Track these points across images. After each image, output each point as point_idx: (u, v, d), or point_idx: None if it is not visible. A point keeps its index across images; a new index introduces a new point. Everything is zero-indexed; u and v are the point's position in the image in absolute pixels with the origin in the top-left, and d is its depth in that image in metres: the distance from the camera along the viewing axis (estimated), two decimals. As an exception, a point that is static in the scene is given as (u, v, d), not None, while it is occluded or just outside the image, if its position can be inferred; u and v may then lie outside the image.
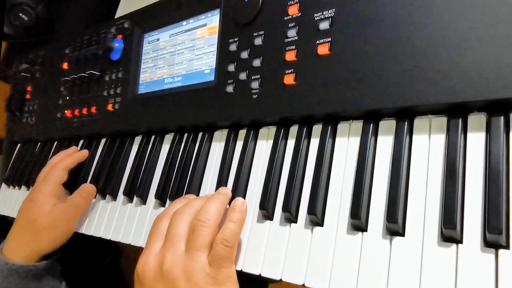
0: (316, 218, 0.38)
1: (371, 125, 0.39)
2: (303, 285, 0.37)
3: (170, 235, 0.41)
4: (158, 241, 0.42)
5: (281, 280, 0.39)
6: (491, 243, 0.30)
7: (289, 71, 0.43)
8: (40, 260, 0.55)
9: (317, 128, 0.43)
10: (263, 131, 0.48)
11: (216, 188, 0.48)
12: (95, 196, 0.61)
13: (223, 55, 0.51)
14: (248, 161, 0.47)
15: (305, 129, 0.43)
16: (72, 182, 0.64)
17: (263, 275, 0.40)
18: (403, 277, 0.32)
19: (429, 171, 0.35)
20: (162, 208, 0.53)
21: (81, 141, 0.72)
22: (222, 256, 0.38)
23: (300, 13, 0.44)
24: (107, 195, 0.60)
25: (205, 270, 0.38)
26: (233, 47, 0.49)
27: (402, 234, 0.34)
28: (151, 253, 0.41)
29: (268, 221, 0.42)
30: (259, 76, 0.46)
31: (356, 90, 0.38)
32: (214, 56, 0.52)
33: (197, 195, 0.50)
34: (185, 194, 0.50)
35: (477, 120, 0.34)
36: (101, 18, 0.79)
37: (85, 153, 0.66)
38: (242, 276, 0.41)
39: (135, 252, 0.41)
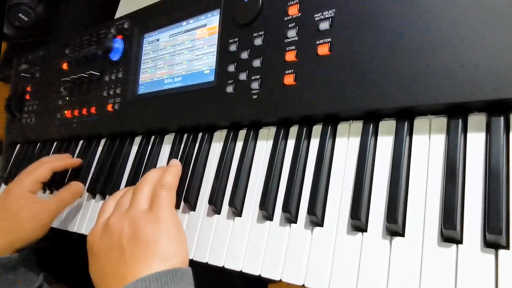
0: (316, 218, 0.38)
1: (371, 125, 0.39)
2: (303, 285, 0.37)
3: (119, 204, 0.46)
4: (106, 214, 0.46)
5: (281, 280, 0.39)
6: (491, 244, 0.30)
7: (289, 71, 0.43)
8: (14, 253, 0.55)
9: (317, 128, 0.43)
10: (263, 131, 0.48)
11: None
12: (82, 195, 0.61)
13: (223, 56, 0.51)
14: (248, 161, 0.47)
15: (305, 129, 0.43)
16: (72, 181, 0.64)
17: (263, 275, 0.40)
18: (403, 277, 0.32)
19: (429, 171, 0.35)
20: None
21: (81, 142, 0.72)
22: (161, 196, 0.44)
23: (300, 14, 0.44)
24: (107, 196, 0.60)
25: (147, 213, 0.42)
26: (233, 48, 0.49)
27: (402, 235, 0.34)
28: (98, 222, 0.45)
29: (268, 222, 0.42)
30: (259, 76, 0.46)
31: (356, 90, 0.38)
32: (214, 56, 0.52)
33: (198, 195, 0.50)
34: (184, 195, 0.50)
35: (477, 120, 0.34)
36: (101, 18, 0.79)
37: (78, 161, 0.66)
38: (242, 277, 0.41)
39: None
